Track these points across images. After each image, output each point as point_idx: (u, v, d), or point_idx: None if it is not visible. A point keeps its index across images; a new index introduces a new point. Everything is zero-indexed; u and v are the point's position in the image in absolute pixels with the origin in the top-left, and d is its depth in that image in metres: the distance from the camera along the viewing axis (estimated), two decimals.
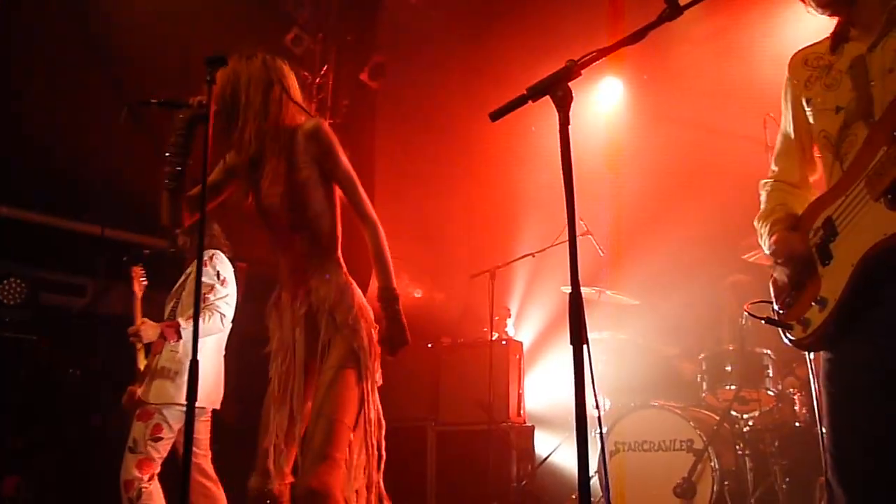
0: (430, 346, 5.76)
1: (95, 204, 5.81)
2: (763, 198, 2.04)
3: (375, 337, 2.40)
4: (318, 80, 5.99)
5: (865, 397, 1.66)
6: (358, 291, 2.43)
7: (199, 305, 2.23)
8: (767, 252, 1.93)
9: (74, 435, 5.67)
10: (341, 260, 2.46)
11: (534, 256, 5.09)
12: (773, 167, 2.05)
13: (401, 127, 6.08)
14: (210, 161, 2.28)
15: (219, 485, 3.56)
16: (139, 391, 3.48)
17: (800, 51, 1.93)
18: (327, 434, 2.21)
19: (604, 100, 6.31)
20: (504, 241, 6.08)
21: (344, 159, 2.43)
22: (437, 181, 6.42)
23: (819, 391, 1.88)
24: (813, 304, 1.74)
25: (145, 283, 3.70)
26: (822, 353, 1.80)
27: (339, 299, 2.36)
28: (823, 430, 1.79)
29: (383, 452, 2.38)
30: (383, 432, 2.38)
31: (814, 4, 1.79)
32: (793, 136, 1.96)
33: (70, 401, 5.76)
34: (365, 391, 2.30)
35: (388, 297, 2.36)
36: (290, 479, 2.33)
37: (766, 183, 2.05)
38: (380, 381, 2.40)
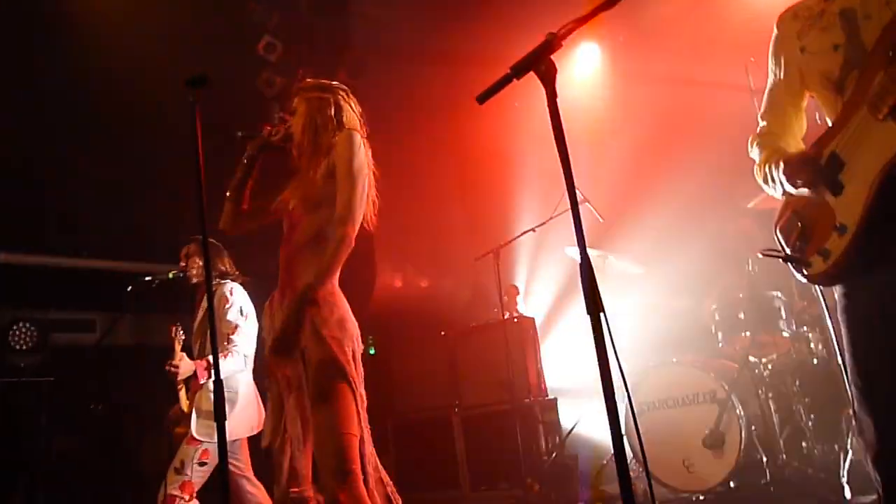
0: (443, 333, 5.78)
1: (92, 238, 5.82)
2: (755, 151, 2.04)
3: (358, 346, 2.41)
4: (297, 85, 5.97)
5: (887, 321, 1.67)
6: (342, 301, 2.43)
7: (214, 323, 2.26)
8: (783, 180, 1.87)
9: (105, 468, 5.71)
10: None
11: (535, 231, 5.09)
12: (762, 122, 2.05)
13: (386, 122, 6.05)
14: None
15: (263, 489, 3.78)
16: (187, 430, 3.65)
17: (788, 8, 1.96)
18: (338, 450, 2.25)
19: (583, 66, 6.30)
20: (504, 220, 6.09)
21: (353, 169, 2.44)
22: (430, 170, 6.42)
23: (837, 328, 1.86)
24: (833, 232, 1.72)
25: (183, 336, 3.78)
26: (836, 289, 1.80)
27: (316, 304, 2.36)
28: (845, 365, 1.78)
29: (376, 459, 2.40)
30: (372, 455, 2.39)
31: None
32: (783, 88, 1.97)
33: (97, 435, 5.80)
34: (356, 398, 2.33)
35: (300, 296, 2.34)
36: (310, 485, 2.37)
37: (755, 137, 2.05)
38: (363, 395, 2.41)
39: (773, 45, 1.98)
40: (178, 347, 3.70)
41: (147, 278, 3.97)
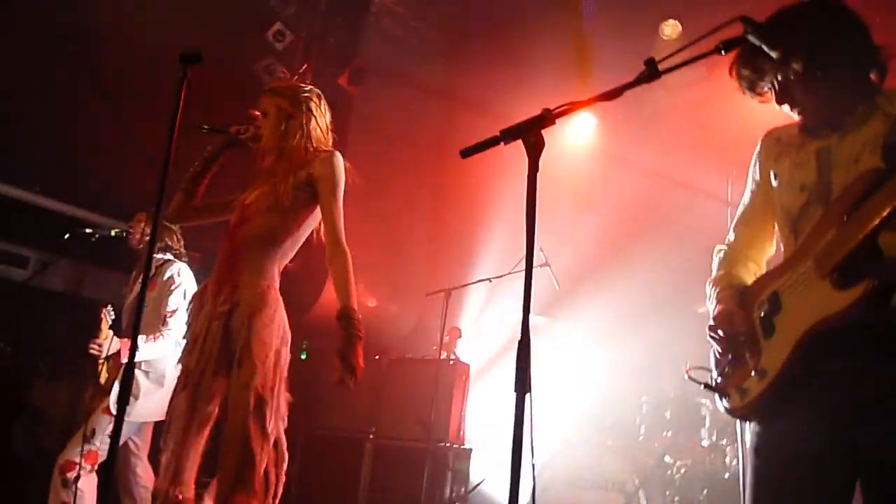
0: (377, 357, 5.70)
1: (48, 176, 5.65)
2: (715, 264, 2.04)
3: (285, 352, 2.39)
4: (295, 78, 5.92)
5: (790, 473, 1.68)
6: (281, 309, 2.42)
7: (143, 302, 2.17)
8: (710, 318, 1.90)
9: (5, 411, 5.47)
10: (276, 274, 2.45)
11: (490, 282, 5.11)
12: (731, 234, 2.05)
13: (372, 136, 6.04)
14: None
15: (153, 475, 3.66)
16: (102, 402, 3.57)
17: (774, 129, 1.95)
18: (243, 458, 2.20)
19: (576, 133, 6.38)
20: (463, 263, 6.09)
21: (339, 191, 2.45)
22: (404, 195, 6.40)
23: (744, 461, 1.88)
24: (753, 373, 1.75)
25: (113, 317, 3.71)
26: (751, 425, 1.81)
27: (260, 308, 2.34)
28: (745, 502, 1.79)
29: (282, 475, 2.33)
30: (285, 463, 2.34)
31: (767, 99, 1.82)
32: (757, 207, 1.97)
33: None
34: (270, 410, 2.27)
35: (346, 317, 2.32)
36: (192, 489, 2.31)
37: (720, 249, 2.05)
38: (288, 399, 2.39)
39: (754, 160, 1.97)
40: (104, 327, 3.64)
41: (88, 230, 3.91)
